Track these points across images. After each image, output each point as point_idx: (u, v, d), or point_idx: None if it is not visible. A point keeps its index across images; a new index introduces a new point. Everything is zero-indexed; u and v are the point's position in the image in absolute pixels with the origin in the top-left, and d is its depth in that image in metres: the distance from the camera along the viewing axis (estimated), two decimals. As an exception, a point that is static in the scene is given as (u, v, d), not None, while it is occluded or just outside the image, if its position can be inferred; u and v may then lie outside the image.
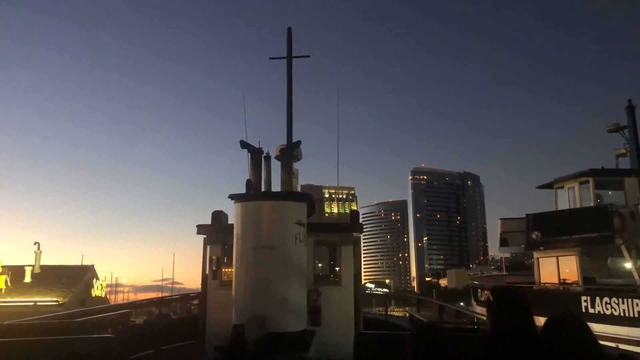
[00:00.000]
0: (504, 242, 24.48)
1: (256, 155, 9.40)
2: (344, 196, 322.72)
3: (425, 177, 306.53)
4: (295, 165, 10.14)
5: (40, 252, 38.93)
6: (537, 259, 22.12)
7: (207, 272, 9.79)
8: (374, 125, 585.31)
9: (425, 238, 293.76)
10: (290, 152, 9.57)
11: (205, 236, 9.85)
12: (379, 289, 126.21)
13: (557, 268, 20.95)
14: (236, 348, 5.90)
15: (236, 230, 7.88)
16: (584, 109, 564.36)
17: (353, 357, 6.24)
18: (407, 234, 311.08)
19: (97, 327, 8.15)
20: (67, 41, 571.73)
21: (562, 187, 23.50)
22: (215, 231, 9.70)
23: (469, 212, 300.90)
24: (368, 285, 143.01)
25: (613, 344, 15.75)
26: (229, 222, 9.32)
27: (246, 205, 7.95)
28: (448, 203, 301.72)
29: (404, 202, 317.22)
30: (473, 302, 26.28)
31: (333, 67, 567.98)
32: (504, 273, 35.22)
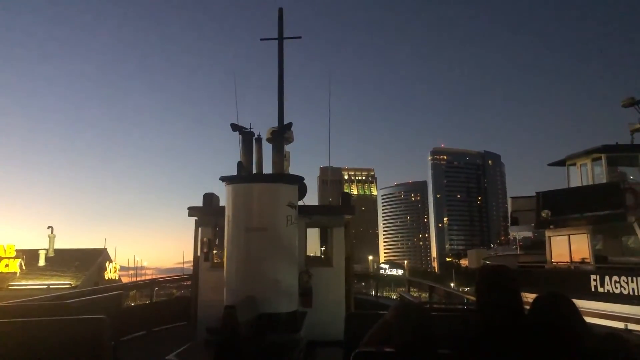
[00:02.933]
0: (514, 221, 24.12)
1: (247, 137, 9.33)
2: (364, 178, 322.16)
3: (445, 157, 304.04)
4: (287, 147, 10.05)
5: (54, 236, 39.51)
6: (549, 237, 21.75)
7: (198, 254, 9.80)
8: (393, 107, 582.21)
9: (446, 219, 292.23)
10: (281, 135, 9.48)
11: (196, 218, 9.84)
12: (393, 270, 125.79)
13: (569, 247, 20.56)
14: (228, 329, 5.89)
15: (227, 213, 7.89)
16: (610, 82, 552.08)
17: (344, 337, 6.21)
18: (428, 214, 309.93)
19: (89, 308, 8.18)
20: (74, 31, 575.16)
21: (574, 164, 22.98)
22: (207, 213, 9.73)
23: (490, 191, 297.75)
24: (382, 265, 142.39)
25: (622, 324, 15.51)
26: (221, 204, 9.30)
27: (237, 188, 7.94)
28: (468, 183, 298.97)
29: (424, 183, 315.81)
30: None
31: (352, 49, 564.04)
32: (518, 252, 34.73)
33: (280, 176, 8.73)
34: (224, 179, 8.06)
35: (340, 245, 9.88)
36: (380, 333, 3.44)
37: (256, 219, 7.65)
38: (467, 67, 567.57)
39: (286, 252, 7.87)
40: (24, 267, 36.51)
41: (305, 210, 9.28)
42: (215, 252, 9.79)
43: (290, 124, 9.74)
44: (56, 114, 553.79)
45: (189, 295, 15.13)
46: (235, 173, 8.83)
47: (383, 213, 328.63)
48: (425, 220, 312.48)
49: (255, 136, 9.43)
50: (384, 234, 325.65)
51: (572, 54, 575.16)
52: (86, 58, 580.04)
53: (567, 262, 20.50)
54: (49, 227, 39.62)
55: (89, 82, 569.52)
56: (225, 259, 7.97)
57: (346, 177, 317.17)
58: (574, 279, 18.49)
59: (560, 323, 2.83)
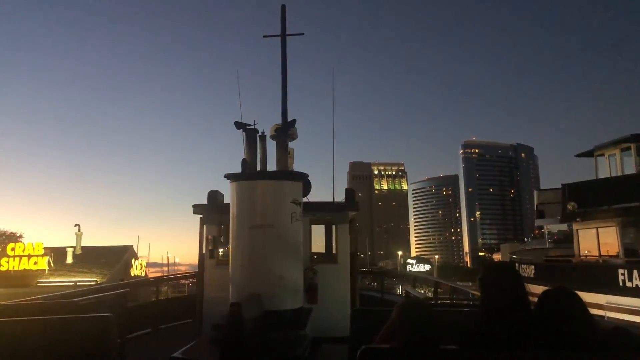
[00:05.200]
0: (540, 214, 23.56)
1: (251, 135, 9.27)
2: (394, 172, 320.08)
3: (476, 151, 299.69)
4: (291, 144, 9.99)
5: (81, 234, 40.30)
6: (577, 230, 21.18)
7: (203, 251, 9.81)
8: (423, 100, 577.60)
9: (478, 213, 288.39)
10: (285, 131, 9.42)
11: (201, 216, 9.84)
12: (420, 265, 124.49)
13: (597, 240, 19.96)
14: (233, 326, 5.84)
15: (232, 210, 7.88)
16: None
17: (350, 333, 6.14)
18: (459, 209, 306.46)
19: (95, 306, 8.23)
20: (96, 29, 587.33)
21: (602, 155, 22.28)
22: (211, 211, 9.73)
23: (523, 185, 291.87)
24: (409, 261, 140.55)
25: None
26: (226, 201, 9.30)
27: (241, 185, 7.92)
28: (501, 176, 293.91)
29: (455, 177, 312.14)
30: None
31: (377, 43, 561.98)
32: (547, 246, 34.05)
33: (285, 173, 8.67)
34: (228, 176, 8.06)
35: (345, 241, 9.81)
36: (388, 332, 3.47)
37: (260, 216, 7.61)
38: (497, 59, 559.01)
39: (291, 249, 7.83)
40: (52, 265, 37.13)
41: (310, 207, 9.22)
42: (220, 249, 9.80)
43: (294, 121, 9.68)
44: (81, 113, 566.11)
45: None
46: (239, 170, 8.80)
47: (414, 208, 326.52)
48: (457, 214, 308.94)
49: (259, 133, 9.36)
50: (415, 229, 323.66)
51: (604, 44, 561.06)
52: (100, 57, 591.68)
53: (596, 255, 19.91)
54: (76, 225, 40.62)
55: (107, 81, 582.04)
56: (230, 257, 7.94)
57: (376, 172, 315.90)
58: (601, 274, 17.91)
59: (567, 317, 2.85)
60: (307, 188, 9.23)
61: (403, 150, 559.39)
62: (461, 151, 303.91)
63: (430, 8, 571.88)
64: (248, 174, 8.47)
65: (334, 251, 10.01)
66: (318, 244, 10.47)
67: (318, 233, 10.29)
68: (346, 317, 6.36)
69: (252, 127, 9.30)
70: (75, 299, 8.15)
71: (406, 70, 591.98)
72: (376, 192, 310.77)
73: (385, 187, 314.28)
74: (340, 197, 10.28)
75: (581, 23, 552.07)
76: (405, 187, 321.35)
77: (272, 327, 6.81)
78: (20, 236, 51.80)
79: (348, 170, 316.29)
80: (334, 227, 10.02)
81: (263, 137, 9.42)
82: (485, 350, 2.91)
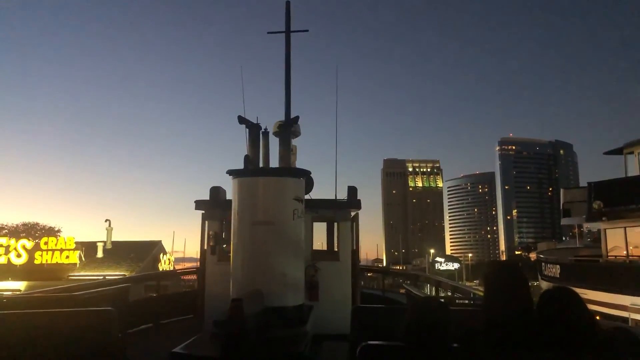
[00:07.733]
0: (566, 213, 22.96)
1: (254, 131, 9.32)
2: (429, 169, 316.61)
3: (513, 147, 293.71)
4: (294, 141, 10.00)
5: (112, 229, 41.15)
6: (604, 230, 20.56)
7: (205, 247, 9.88)
8: (459, 96, 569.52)
9: (515, 211, 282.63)
10: (288, 128, 9.42)
11: (203, 212, 9.92)
12: (449, 264, 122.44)
13: (625, 240, 19.36)
14: (234, 322, 5.91)
15: (234, 206, 7.91)
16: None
17: (350, 330, 6.15)
18: (496, 206, 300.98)
19: (96, 300, 8.39)
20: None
21: (632, 153, 21.55)
22: (213, 207, 9.77)
23: (562, 182, 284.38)
24: (438, 259, 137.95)
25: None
26: (228, 197, 9.36)
27: (244, 181, 7.96)
28: (539, 174, 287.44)
29: (492, 174, 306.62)
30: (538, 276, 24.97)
31: (412, 39, 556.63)
32: (577, 245, 33.13)
33: (287, 170, 8.68)
34: (230, 172, 8.08)
35: (347, 239, 9.76)
36: None
37: (262, 212, 7.63)
38: (534, 54, 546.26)
39: (293, 246, 7.84)
40: (83, 259, 38.10)
41: (312, 204, 9.20)
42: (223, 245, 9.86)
43: (297, 118, 9.68)
44: (108, 110, 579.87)
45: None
46: (242, 167, 8.85)
47: (449, 205, 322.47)
48: (493, 212, 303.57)
49: (262, 130, 9.39)
50: (450, 227, 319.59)
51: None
52: (124, 55, 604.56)
53: (624, 255, 19.32)
54: (106, 220, 41.49)
55: (133, 80, 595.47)
56: (231, 253, 7.98)
57: (410, 169, 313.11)
58: (627, 274, 17.35)
59: (567, 317, 2.84)
60: (309, 185, 9.21)
61: (438, 147, 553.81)
62: (497, 148, 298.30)
63: (466, 2, 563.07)
64: (250, 170, 8.51)
65: (335, 249, 9.98)
66: (320, 242, 10.46)
67: (320, 230, 10.28)
68: (347, 315, 6.35)
69: (255, 123, 9.35)
70: (77, 293, 8.32)
71: (442, 66, 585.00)
72: (411, 189, 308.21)
73: (420, 184, 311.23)
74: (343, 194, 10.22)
75: (619, 18, 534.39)
76: (440, 184, 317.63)
77: (273, 323, 6.86)
78: (59, 230, 53.58)
79: (382, 167, 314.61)
80: (336, 224, 10.00)
81: (266, 133, 9.46)
82: (487, 349, 2.91)
